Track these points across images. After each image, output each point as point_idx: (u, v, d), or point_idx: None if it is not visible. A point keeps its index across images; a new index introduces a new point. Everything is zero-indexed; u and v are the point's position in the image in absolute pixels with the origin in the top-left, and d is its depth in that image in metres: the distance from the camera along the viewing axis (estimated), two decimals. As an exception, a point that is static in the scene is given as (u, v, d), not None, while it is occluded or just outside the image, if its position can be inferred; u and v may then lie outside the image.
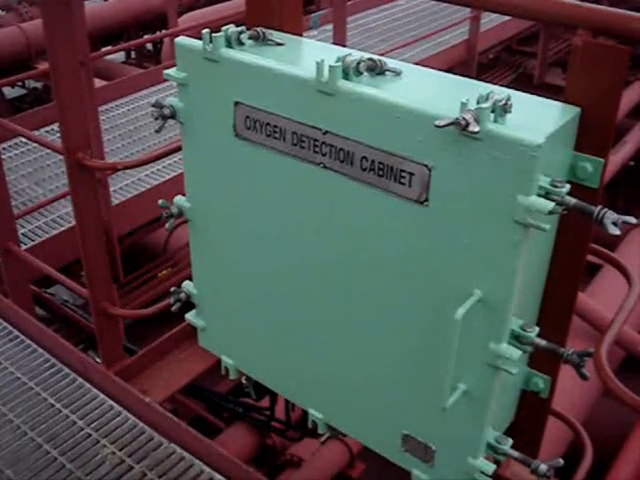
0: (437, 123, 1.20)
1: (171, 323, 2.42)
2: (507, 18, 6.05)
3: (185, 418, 3.31)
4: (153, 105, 1.69)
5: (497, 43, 6.42)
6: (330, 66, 1.37)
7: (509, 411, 1.71)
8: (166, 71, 1.68)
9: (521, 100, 1.42)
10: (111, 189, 3.43)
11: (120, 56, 9.37)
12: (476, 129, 1.17)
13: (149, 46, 9.38)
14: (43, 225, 3.23)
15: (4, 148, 3.96)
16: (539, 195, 1.24)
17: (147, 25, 8.71)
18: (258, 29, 1.65)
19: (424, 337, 1.46)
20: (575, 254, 1.50)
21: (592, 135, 1.40)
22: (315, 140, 1.46)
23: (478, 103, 1.24)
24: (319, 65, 1.38)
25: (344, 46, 4.08)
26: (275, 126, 1.52)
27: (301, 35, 1.82)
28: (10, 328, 2.64)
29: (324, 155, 1.46)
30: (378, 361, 1.60)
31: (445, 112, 1.24)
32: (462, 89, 1.33)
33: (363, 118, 1.37)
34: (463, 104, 1.22)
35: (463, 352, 1.40)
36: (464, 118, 1.18)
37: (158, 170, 3.71)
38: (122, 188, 3.54)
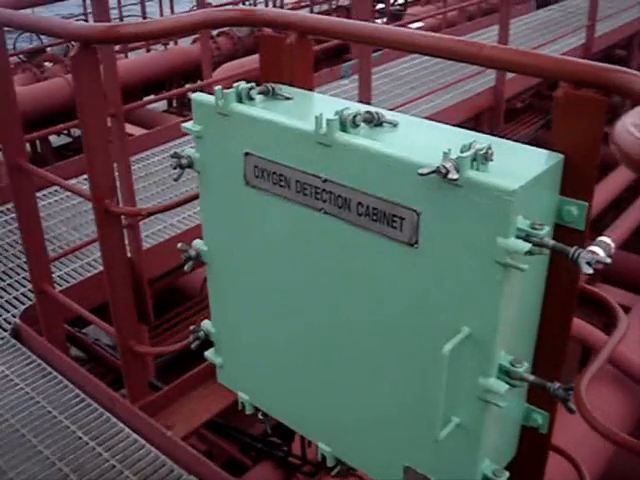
0: (420, 171, 1.31)
1: (201, 361, 2.54)
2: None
3: (219, 459, 3.41)
4: (172, 156, 1.83)
5: (525, 89, 6.55)
6: (328, 119, 1.49)
7: (510, 446, 1.77)
8: (183, 124, 1.82)
9: (510, 148, 1.53)
10: (144, 234, 3.60)
11: (163, 105, 9.75)
12: (455, 177, 1.28)
13: (190, 95, 9.71)
14: (79, 268, 3.41)
15: (45, 195, 4.18)
16: (519, 237, 1.33)
17: (189, 75, 9.07)
18: (268, 85, 1.79)
19: (418, 372, 1.54)
20: (566, 292, 1.58)
21: (576, 180, 1.49)
22: (316, 187, 1.58)
23: (462, 152, 1.35)
24: (318, 119, 1.51)
25: (369, 95, 4.24)
26: (281, 175, 1.65)
27: (311, 89, 1.96)
28: (44, 365, 2.78)
29: (324, 201, 1.57)
30: (378, 396, 1.68)
31: (429, 161, 1.34)
32: (452, 139, 1.43)
33: (358, 167, 1.49)
34: (445, 153, 1.32)
35: (454, 386, 1.48)
36: (444, 166, 1.29)
37: (189, 216, 3.88)
38: (155, 233, 3.70)
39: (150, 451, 2.37)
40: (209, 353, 2.14)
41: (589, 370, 1.39)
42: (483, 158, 1.35)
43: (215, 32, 9.72)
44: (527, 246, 1.29)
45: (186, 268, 1.98)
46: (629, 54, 8.79)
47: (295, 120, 1.59)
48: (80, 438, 2.45)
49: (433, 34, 1.63)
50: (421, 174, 1.30)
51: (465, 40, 1.61)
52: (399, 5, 13.56)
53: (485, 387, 1.44)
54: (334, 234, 1.59)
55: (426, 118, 5.07)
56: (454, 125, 5.00)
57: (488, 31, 6.49)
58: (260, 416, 2.16)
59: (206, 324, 2.11)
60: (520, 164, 1.43)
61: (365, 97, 4.08)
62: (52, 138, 9.04)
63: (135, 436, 2.42)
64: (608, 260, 1.30)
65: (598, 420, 1.33)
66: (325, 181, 1.56)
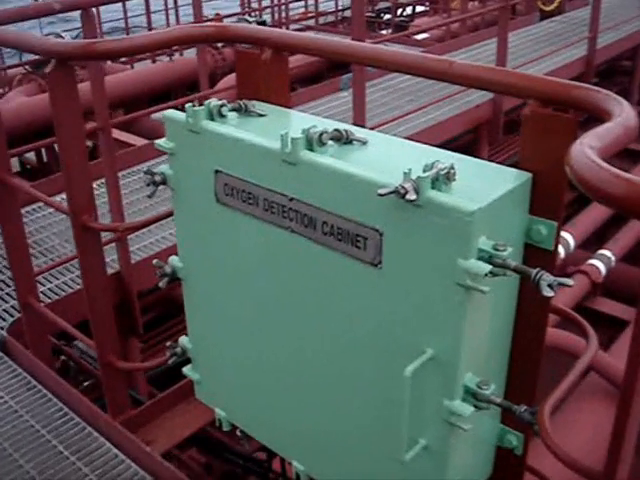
0: (379, 192, 1.30)
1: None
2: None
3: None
4: (145, 172, 1.83)
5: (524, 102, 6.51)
6: (292, 138, 1.48)
7: (484, 466, 1.74)
8: (156, 141, 1.82)
9: (478, 167, 1.51)
10: (136, 246, 3.60)
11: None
12: (413, 197, 1.26)
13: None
14: (69, 281, 3.41)
15: (37, 208, 4.19)
16: (481, 258, 1.31)
17: (193, 86, 9.10)
18: (241, 102, 1.79)
19: (383, 393, 1.52)
20: (537, 312, 1.56)
21: (545, 199, 1.48)
22: (283, 206, 1.57)
23: (424, 172, 1.34)
24: (283, 137, 1.50)
25: (363, 108, 4.24)
26: (249, 193, 1.64)
27: (288, 106, 1.95)
28: (29, 378, 2.77)
29: (291, 220, 1.56)
30: (347, 416, 1.66)
31: (391, 180, 1.33)
32: (420, 158, 1.42)
33: (322, 186, 1.47)
34: (405, 174, 1.31)
35: (419, 408, 1.46)
36: (403, 187, 1.28)
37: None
38: (146, 246, 3.70)
39: (130, 466, 2.36)
40: (187, 369, 2.14)
41: (555, 394, 1.37)
42: (445, 178, 1.34)
43: (220, 44, 9.77)
44: (487, 268, 1.28)
45: (161, 285, 1.98)
46: (634, 65, 8.76)
47: (263, 138, 1.58)
48: (61, 453, 2.44)
49: (402, 51, 1.62)
50: (380, 194, 1.29)
51: (434, 57, 1.61)
52: (404, 17, 13.60)
53: (450, 409, 1.43)
54: (302, 253, 1.58)
55: (423, 131, 5.09)
56: (451, 138, 5.02)
57: (491, 42, 6.46)
58: (238, 433, 2.14)
59: (183, 340, 2.10)
60: (485, 184, 1.41)
61: (359, 110, 4.07)
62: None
63: (116, 451, 2.41)
64: (570, 283, 1.28)
65: (559, 446, 1.31)
66: (291, 200, 1.55)
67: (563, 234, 5.80)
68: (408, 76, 6.70)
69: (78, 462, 2.39)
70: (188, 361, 2.10)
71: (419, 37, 10.65)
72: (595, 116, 1.38)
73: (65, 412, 2.61)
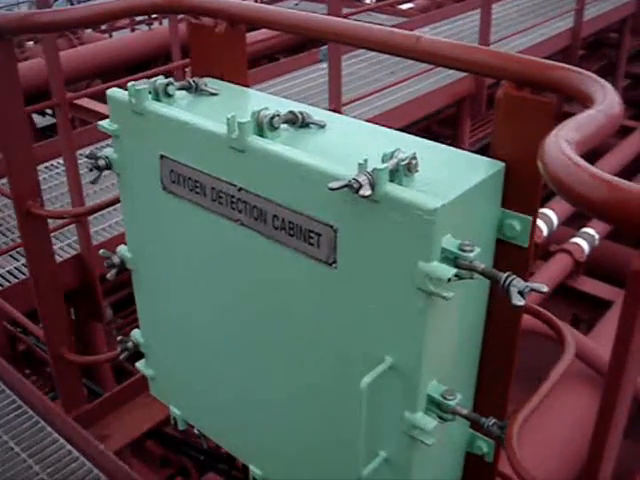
0: (330, 185, 1.15)
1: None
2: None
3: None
4: (87, 156, 1.67)
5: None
6: (239, 122, 1.33)
7: (452, 472, 1.63)
8: (99, 122, 1.66)
9: (446, 156, 1.37)
10: (100, 226, 3.44)
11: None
12: (367, 193, 1.12)
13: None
14: (21, 266, 3.24)
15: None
16: (445, 259, 1.18)
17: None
18: (190, 79, 1.63)
19: (340, 403, 1.39)
20: (508, 317, 1.43)
21: (518, 192, 1.34)
22: (232, 197, 1.42)
23: (383, 162, 1.20)
24: (230, 121, 1.35)
25: (339, 80, 4.07)
26: (196, 181, 1.49)
27: (245, 84, 1.79)
28: (-19, 368, 2.64)
29: (240, 212, 1.42)
30: (304, 423, 1.54)
31: (346, 172, 1.19)
32: (381, 145, 1.27)
33: (272, 175, 1.33)
34: (360, 165, 1.17)
35: (379, 419, 1.34)
36: (357, 180, 1.13)
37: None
38: (111, 226, 3.53)
39: (84, 464, 2.23)
40: (140, 364, 2.00)
41: (525, 408, 1.25)
42: (406, 169, 1.19)
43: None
44: (451, 272, 1.14)
45: (109, 277, 1.83)
46: (621, 37, 8.60)
47: (209, 121, 1.43)
48: (12, 449, 2.31)
49: (364, 26, 1.47)
50: (331, 188, 1.15)
51: (400, 32, 1.45)
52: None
53: (411, 423, 1.30)
54: (252, 248, 1.44)
55: (402, 105, 4.92)
56: (433, 112, 4.83)
57: (476, 13, 6.26)
58: (196, 431, 2.02)
59: (135, 334, 1.96)
60: (453, 174, 1.28)
61: (335, 83, 3.91)
62: (37, 119, 8.81)
63: (69, 447, 2.28)
64: (544, 289, 1.14)
65: (523, 467, 1.19)
66: (240, 190, 1.40)
67: (545, 211, 5.69)
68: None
69: (29, 459, 2.26)
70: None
71: (404, 7, 10.42)
72: (573, 99, 1.24)
73: (19, 405, 2.47)
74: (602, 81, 1.20)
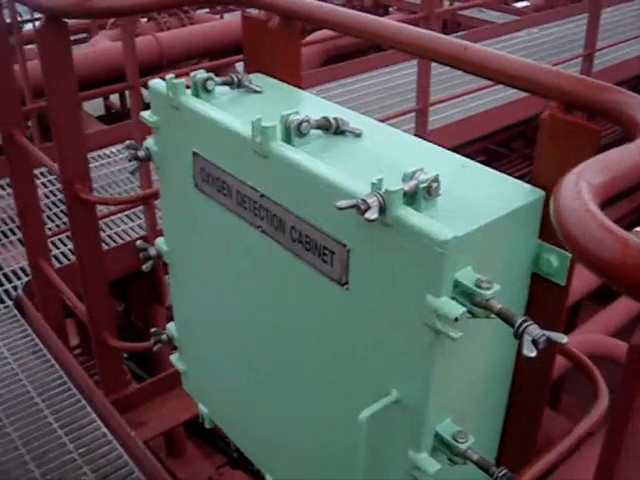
0: (338, 205, 1.07)
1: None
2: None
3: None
4: (127, 147, 1.65)
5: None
6: (263, 127, 1.27)
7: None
8: (141, 113, 1.64)
9: (483, 178, 1.26)
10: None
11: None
12: (372, 217, 1.03)
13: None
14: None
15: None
16: (461, 294, 1.07)
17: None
18: (233, 74, 1.58)
19: (343, 430, 1.31)
20: (539, 361, 1.30)
21: (558, 224, 1.21)
22: (254, 202, 1.36)
23: (403, 181, 1.10)
24: (254, 124, 1.28)
25: (427, 78, 3.92)
26: (224, 182, 1.44)
27: (298, 82, 1.72)
28: (37, 340, 2.71)
29: (262, 219, 1.36)
30: (313, 440, 1.47)
31: (360, 189, 1.10)
32: (414, 160, 1.18)
33: (292, 185, 1.26)
34: (373, 185, 1.08)
35: (382, 454, 1.26)
36: (365, 201, 1.04)
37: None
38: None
39: (115, 449, 2.25)
40: (174, 357, 1.99)
41: (539, 463, 1.13)
42: (426, 192, 1.10)
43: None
44: (459, 311, 1.03)
45: (144, 268, 1.82)
46: None
47: (238, 122, 1.37)
48: (50, 424, 2.35)
49: (416, 30, 1.37)
50: (339, 207, 1.07)
51: (449, 39, 1.34)
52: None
53: (414, 463, 1.20)
54: (271, 257, 1.37)
55: (478, 114, 4.65)
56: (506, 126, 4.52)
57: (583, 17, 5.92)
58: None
59: (171, 327, 1.94)
60: (484, 201, 1.16)
61: (423, 82, 3.76)
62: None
63: (104, 430, 2.31)
64: (564, 340, 1.02)
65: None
66: (262, 196, 1.34)
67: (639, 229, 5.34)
68: (509, 43, 6.25)
69: (65, 437, 2.30)
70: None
71: (519, 5, 10.08)
72: (624, 128, 1.10)
73: (64, 381, 2.52)
74: (658, 110, 1.06)
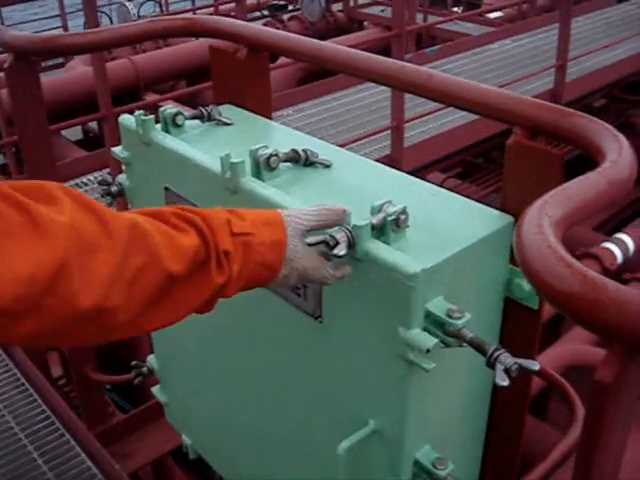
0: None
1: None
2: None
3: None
4: (99, 183, 1.65)
5: (592, 91, 6.03)
6: (232, 162, 1.27)
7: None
8: (112, 148, 1.64)
9: (452, 206, 1.27)
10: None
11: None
12: (341, 253, 1.04)
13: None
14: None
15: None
16: (433, 323, 1.08)
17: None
18: (203, 108, 1.58)
19: (322, 462, 1.31)
20: (516, 385, 1.31)
21: (529, 249, 1.22)
22: (227, 236, 1.36)
23: (372, 214, 1.11)
24: (223, 160, 1.29)
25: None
26: (196, 216, 1.44)
27: (268, 113, 1.73)
28: (19, 375, 2.68)
29: (235, 253, 1.36)
30: (294, 474, 1.46)
31: (329, 225, 1.11)
32: (383, 192, 1.18)
33: (262, 220, 1.26)
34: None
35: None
36: (333, 237, 1.05)
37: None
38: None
39: (100, 483, 2.23)
40: (155, 390, 1.98)
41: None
42: (394, 225, 1.10)
43: (286, 16, 9.55)
44: (432, 342, 1.04)
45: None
46: None
47: (208, 157, 1.37)
48: (35, 460, 2.33)
49: (380, 59, 1.38)
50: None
51: (413, 67, 1.35)
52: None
53: (394, 492, 1.21)
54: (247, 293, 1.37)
55: (454, 128, 4.69)
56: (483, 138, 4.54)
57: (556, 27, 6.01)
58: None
59: (151, 359, 1.94)
60: (453, 229, 1.17)
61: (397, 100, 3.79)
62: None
63: (89, 464, 2.28)
64: (536, 368, 1.03)
65: None
66: (234, 231, 1.34)
67: (621, 236, 5.38)
68: (468, 59, 6.34)
69: (49, 472, 2.27)
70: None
71: (492, 15, 10.16)
72: (588, 154, 1.12)
73: (47, 415, 2.49)
74: (619, 136, 1.08)
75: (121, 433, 2.36)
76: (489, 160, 6.57)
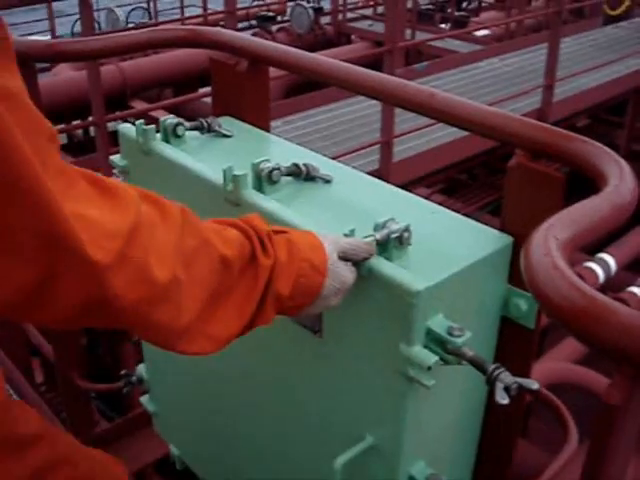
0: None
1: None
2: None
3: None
4: (96, 190, 1.64)
5: (583, 110, 6.11)
6: (234, 175, 1.28)
7: None
8: (111, 157, 1.64)
9: (452, 225, 1.28)
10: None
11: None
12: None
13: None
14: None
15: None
16: (433, 341, 1.09)
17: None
18: (203, 119, 1.59)
19: (319, 473, 1.31)
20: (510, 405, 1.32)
21: (526, 269, 1.24)
22: (226, 248, 1.37)
23: (375, 230, 1.12)
24: (226, 172, 1.29)
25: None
26: (195, 228, 1.44)
27: (266, 125, 1.73)
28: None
29: (234, 265, 1.36)
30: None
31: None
32: (383, 209, 1.19)
33: (264, 234, 1.27)
34: (346, 236, 1.10)
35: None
36: (345, 254, 1.06)
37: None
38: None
39: (84, 493, 2.20)
40: (144, 399, 1.97)
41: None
42: (397, 242, 1.12)
43: (275, 28, 9.58)
44: (432, 360, 1.05)
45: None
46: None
47: (209, 169, 1.38)
48: (18, 469, 2.30)
49: (381, 76, 1.40)
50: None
51: (415, 86, 1.37)
52: (467, 10, 13.10)
53: (389, 508, 1.21)
54: (244, 303, 1.37)
55: (441, 145, 4.75)
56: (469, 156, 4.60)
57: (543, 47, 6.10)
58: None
59: (140, 369, 1.93)
60: (454, 248, 1.19)
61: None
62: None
63: (73, 473, 2.26)
64: (535, 387, 1.04)
65: None
66: (234, 243, 1.34)
67: (603, 255, 5.43)
68: (458, 76, 6.41)
69: None
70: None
71: (479, 33, 10.27)
72: (589, 177, 1.13)
73: (31, 423, 2.47)
74: (621, 161, 1.10)
75: (106, 441, 2.33)
76: (472, 177, 6.63)
